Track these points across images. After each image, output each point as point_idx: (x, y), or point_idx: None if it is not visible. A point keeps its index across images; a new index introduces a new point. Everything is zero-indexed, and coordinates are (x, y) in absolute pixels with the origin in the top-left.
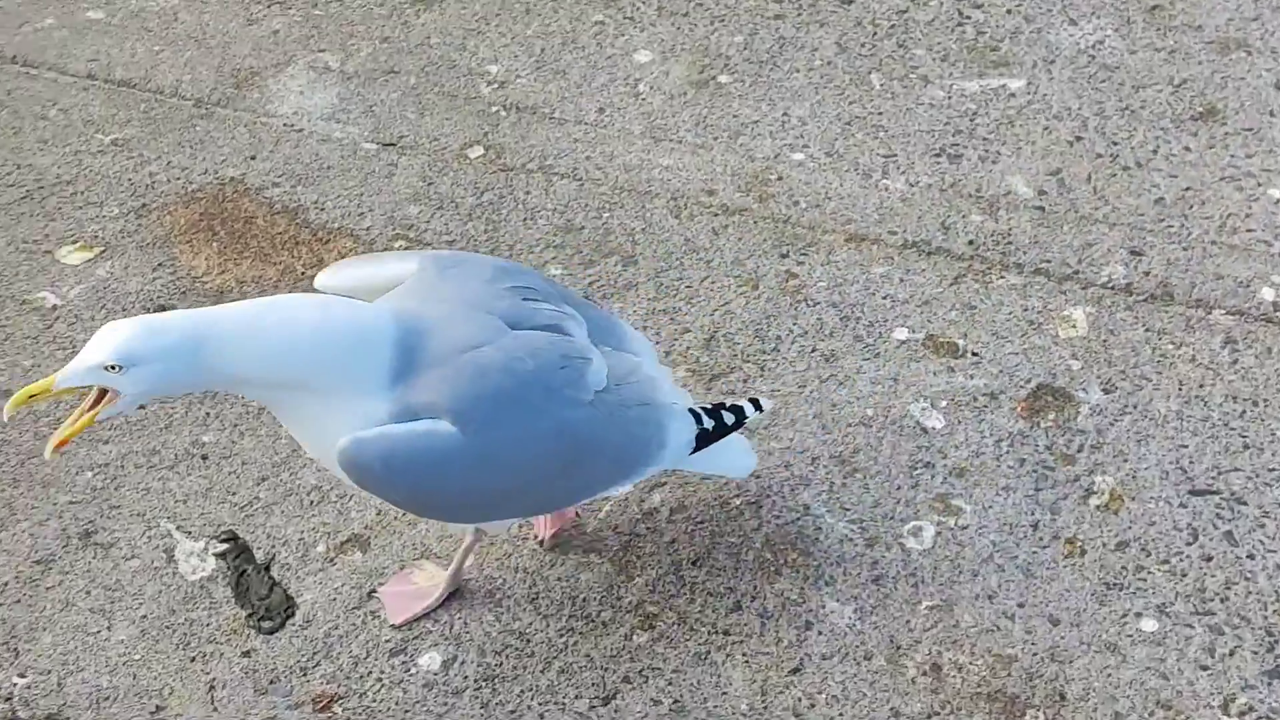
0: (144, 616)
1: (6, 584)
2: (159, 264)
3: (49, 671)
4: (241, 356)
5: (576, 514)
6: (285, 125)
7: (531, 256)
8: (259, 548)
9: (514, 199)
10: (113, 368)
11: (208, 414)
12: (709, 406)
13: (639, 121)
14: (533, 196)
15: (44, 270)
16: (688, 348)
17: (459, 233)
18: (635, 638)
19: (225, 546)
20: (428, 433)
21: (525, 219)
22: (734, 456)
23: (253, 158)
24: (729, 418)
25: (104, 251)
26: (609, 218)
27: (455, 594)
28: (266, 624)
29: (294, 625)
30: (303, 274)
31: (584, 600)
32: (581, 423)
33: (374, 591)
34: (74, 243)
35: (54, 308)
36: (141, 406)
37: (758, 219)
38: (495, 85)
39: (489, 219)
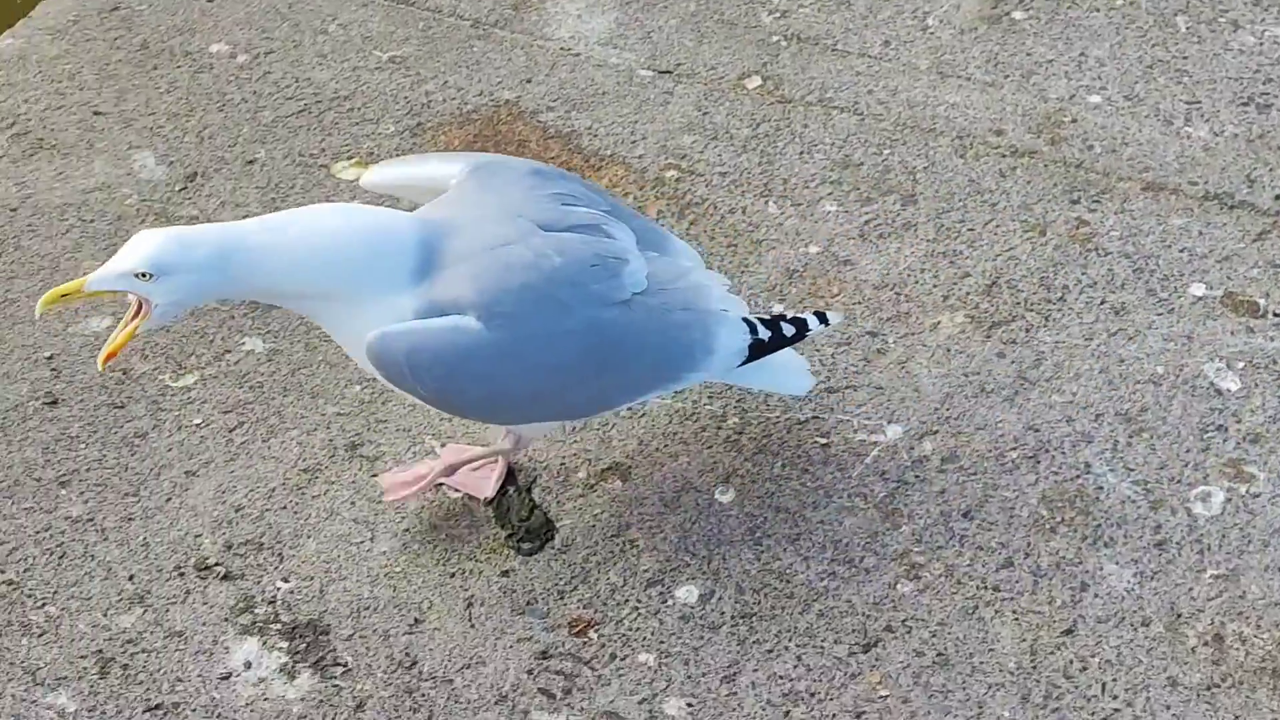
0: (406, 530)
1: (274, 490)
2: None
3: (312, 578)
4: (269, 268)
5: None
6: (562, 49)
7: (807, 191)
8: (520, 470)
9: (790, 132)
10: (143, 275)
11: None
12: (766, 316)
13: (926, 56)
14: (810, 130)
15: (319, 184)
16: (967, 293)
17: (732, 165)
18: (900, 587)
19: None
20: (453, 328)
21: (802, 153)
22: (790, 375)
23: (528, 81)
24: (789, 329)
25: None
26: (889, 155)
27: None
28: (526, 545)
29: (552, 549)
30: None
31: (847, 545)
32: (613, 322)
33: (375, 475)
34: (349, 158)
35: None
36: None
37: (1048, 162)
38: (777, 14)
39: (764, 151)
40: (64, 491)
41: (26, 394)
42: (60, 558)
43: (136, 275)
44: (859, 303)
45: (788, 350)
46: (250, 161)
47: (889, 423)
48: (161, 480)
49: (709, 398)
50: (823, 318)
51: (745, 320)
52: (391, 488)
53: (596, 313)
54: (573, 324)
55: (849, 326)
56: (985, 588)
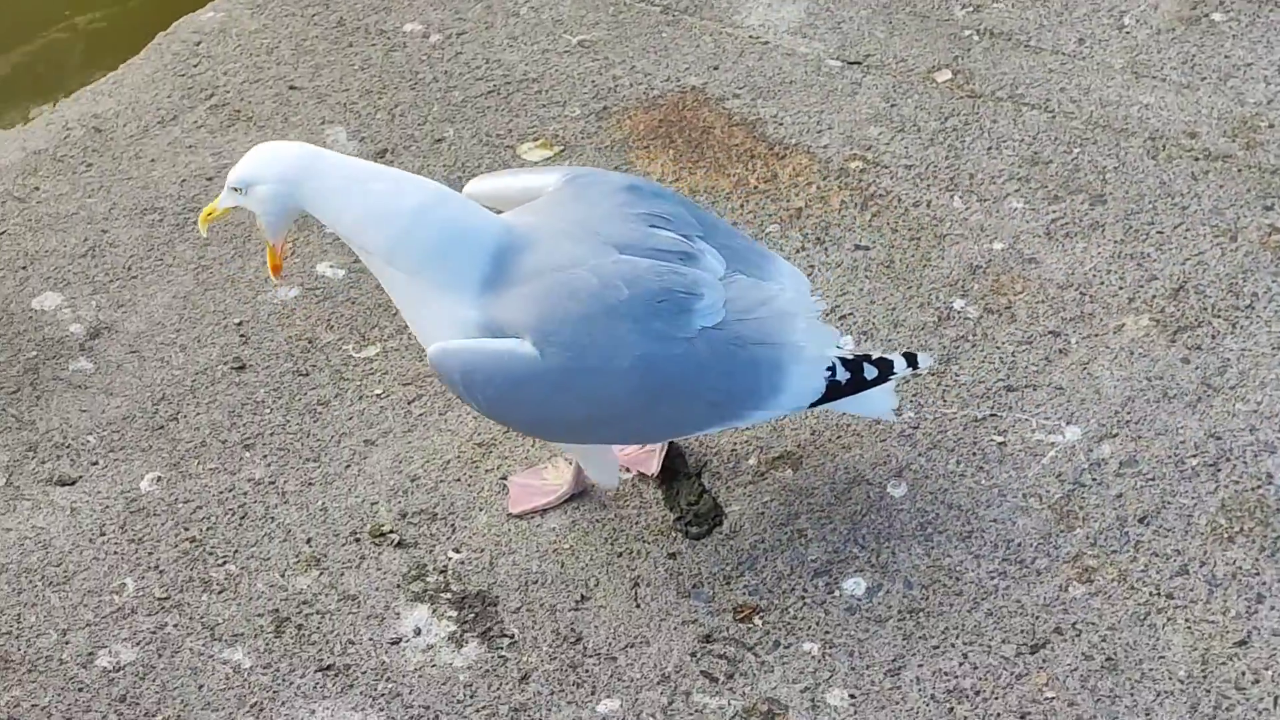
0: (575, 507)
1: (449, 462)
2: (615, 166)
3: (482, 550)
4: (336, 206)
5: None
6: (751, 37)
7: (993, 187)
8: (691, 454)
9: (979, 126)
10: (237, 189)
11: None
12: (851, 355)
13: (1120, 55)
14: (1000, 125)
15: (505, 164)
16: (1153, 296)
17: (918, 158)
18: (1071, 589)
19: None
20: (508, 353)
21: (990, 148)
22: (873, 401)
23: (715, 68)
24: (871, 371)
25: (563, 151)
26: (1079, 153)
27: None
28: (694, 529)
29: (720, 534)
30: (755, 187)
31: (1019, 545)
32: (670, 360)
33: (505, 478)
34: (535, 140)
35: None
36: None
37: (1241, 167)
38: (970, 8)
39: (951, 146)
40: (248, 454)
41: (216, 358)
42: (242, 518)
43: (233, 190)
44: (1042, 301)
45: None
46: (439, 140)
47: (1068, 424)
48: (341, 447)
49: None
50: (912, 360)
51: (827, 357)
52: (518, 500)
53: (653, 349)
54: (628, 361)
55: (1031, 325)
56: (1158, 594)
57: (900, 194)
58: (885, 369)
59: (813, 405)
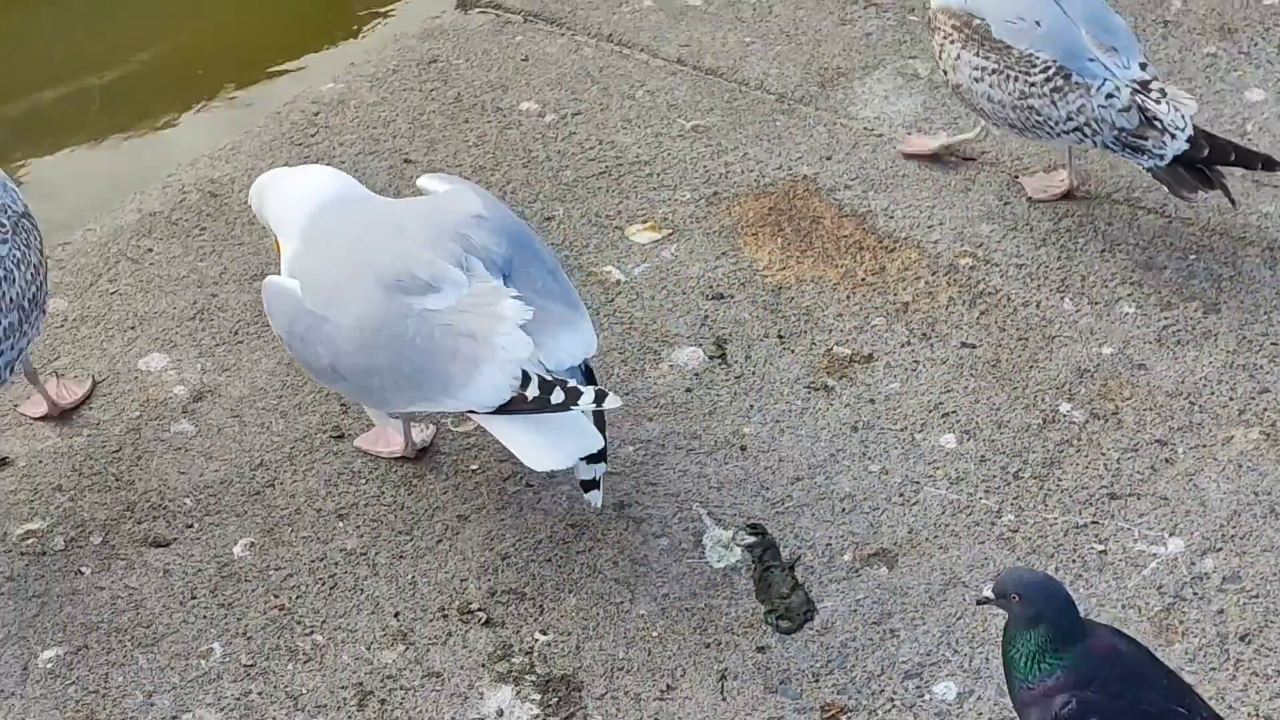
0: (665, 595)
1: (540, 542)
2: (722, 252)
3: (569, 633)
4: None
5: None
6: (865, 129)
7: (1105, 290)
8: (785, 546)
9: (1093, 228)
10: None
11: (751, 406)
12: (551, 378)
13: None
14: (1114, 228)
15: (613, 245)
16: (1264, 409)
17: (1030, 257)
18: None
19: (753, 540)
20: (284, 290)
21: (1103, 251)
22: (537, 440)
23: (828, 158)
24: (558, 396)
25: (671, 234)
26: (1194, 260)
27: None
28: (784, 624)
29: (811, 629)
30: (863, 280)
31: None
32: (383, 327)
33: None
34: (644, 222)
35: (617, 282)
36: None
37: None
38: None
39: (1064, 246)
40: (341, 524)
41: (316, 426)
42: (331, 588)
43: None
44: (1150, 409)
45: (580, 422)
46: (549, 218)
47: (1171, 535)
48: (434, 521)
49: (985, 492)
50: (601, 397)
51: (526, 372)
52: (370, 438)
53: (374, 314)
54: (352, 318)
55: (1137, 432)
56: (1256, 716)
57: (1010, 293)
58: (572, 397)
59: (500, 410)
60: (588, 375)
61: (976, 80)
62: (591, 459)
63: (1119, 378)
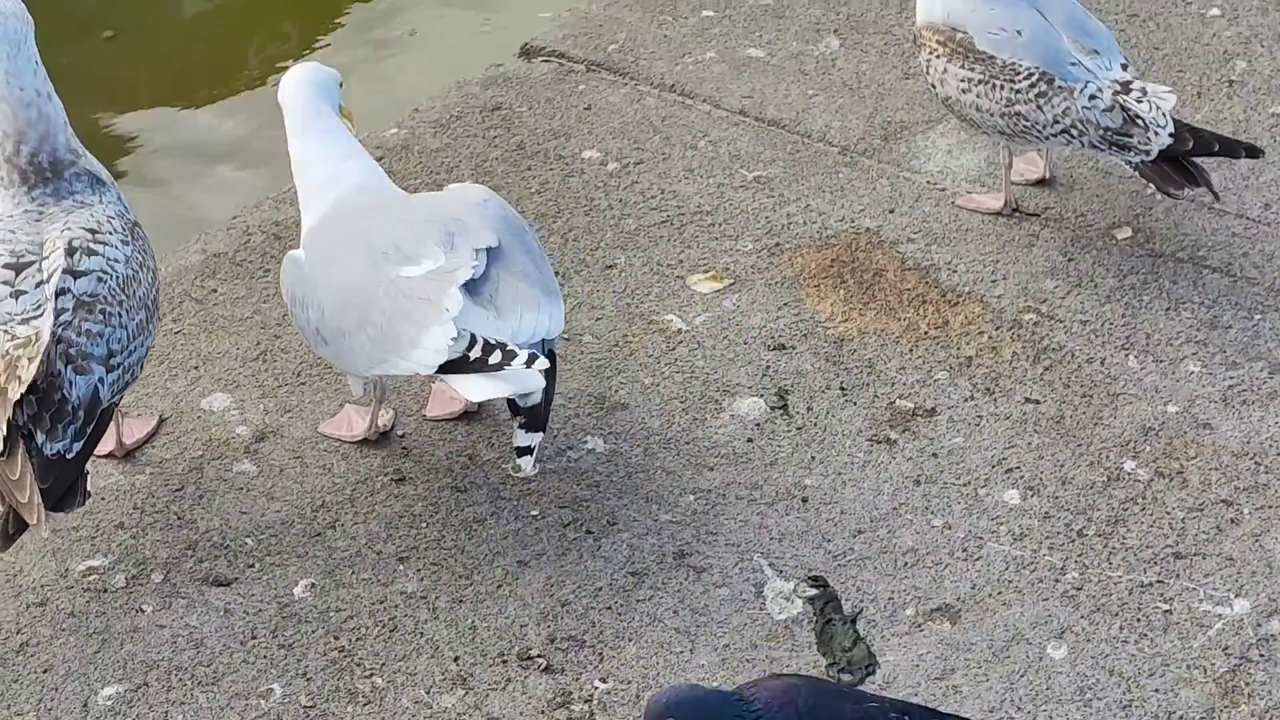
0: (726, 645)
1: (600, 589)
2: (784, 304)
3: (629, 682)
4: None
5: (466, 404)
6: (928, 183)
7: (1169, 349)
8: (847, 599)
9: (1158, 286)
10: None
11: (813, 458)
12: (495, 341)
13: None
14: (1179, 286)
15: (674, 294)
16: None
17: (1094, 314)
18: None
19: (814, 592)
20: (292, 258)
21: (1168, 309)
22: (481, 382)
23: (891, 211)
24: (495, 357)
25: (733, 284)
26: (1260, 320)
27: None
28: (846, 677)
29: (873, 683)
30: (926, 333)
31: (1180, 718)
32: (360, 290)
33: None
34: (705, 271)
35: (679, 331)
36: None
37: None
38: None
39: (1129, 304)
40: (401, 567)
41: (377, 469)
42: (391, 631)
43: None
44: (1215, 468)
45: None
46: (610, 266)
47: (1237, 596)
48: (495, 566)
49: (1048, 549)
50: (532, 359)
51: (474, 335)
52: (336, 422)
53: (353, 280)
54: (338, 279)
55: (1203, 492)
56: None
57: (1074, 349)
58: (508, 358)
59: (441, 370)
60: (549, 358)
61: (964, 91)
62: (529, 427)
63: (1184, 436)
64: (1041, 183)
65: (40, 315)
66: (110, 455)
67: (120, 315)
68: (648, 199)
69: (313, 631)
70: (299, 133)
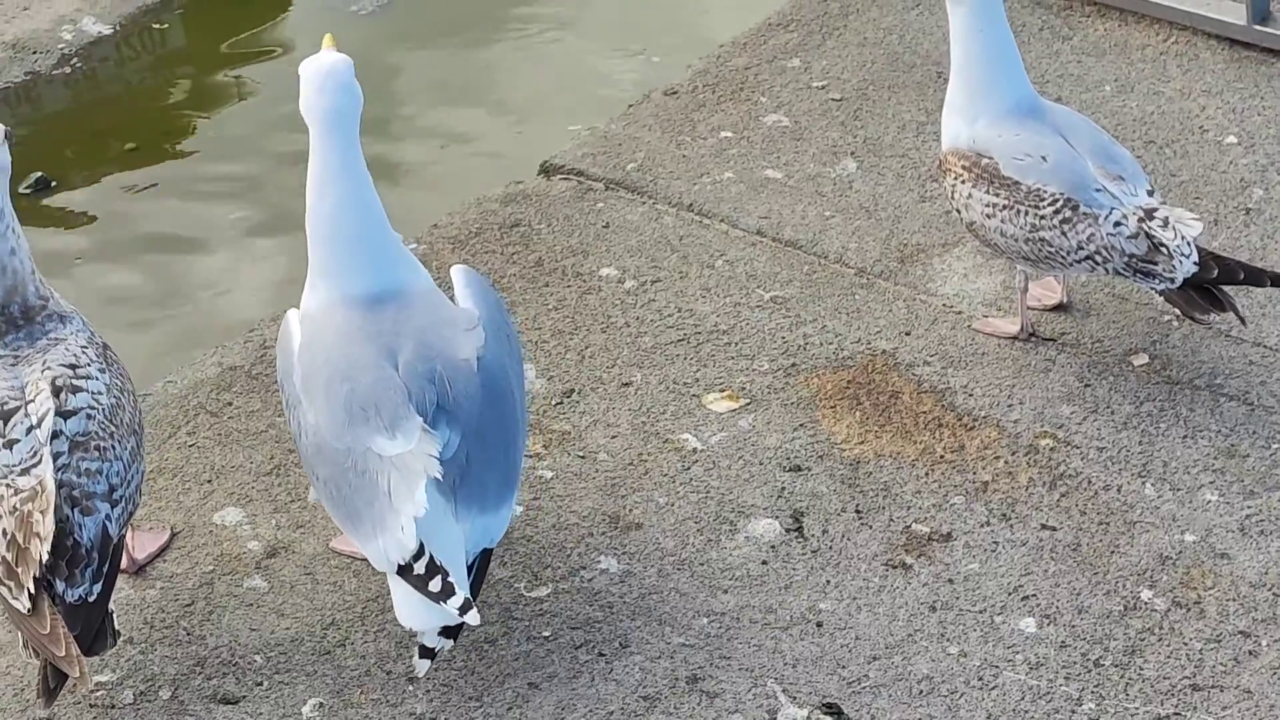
0: None
1: (612, 713)
2: (800, 424)
3: None
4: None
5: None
6: (944, 306)
7: (1187, 477)
8: None
9: (1175, 414)
10: None
11: (828, 581)
12: (440, 564)
13: None
14: (1196, 414)
15: (690, 413)
16: None
17: (1110, 440)
18: None
19: (829, 719)
20: (289, 337)
21: (1185, 436)
22: (413, 599)
23: (907, 333)
24: (435, 585)
25: (749, 404)
26: (1278, 449)
27: None
28: None
29: None
30: (942, 457)
31: None
32: (335, 445)
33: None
34: (721, 390)
35: (694, 450)
36: None
37: None
38: None
39: (1145, 431)
40: (411, 687)
41: (388, 586)
42: None
43: None
44: (1233, 599)
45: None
46: (626, 384)
47: None
48: (505, 688)
49: (1065, 679)
50: (466, 608)
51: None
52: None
53: (330, 434)
54: (314, 418)
55: (1220, 623)
56: None
57: (1091, 476)
58: (445, 593)
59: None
60: (483, 559)
61: (988, 216)
62: (447, 632)
63: (1201, 566)
64: (1059, 308)
65: (39, 463)
66: (123, 571)
67: (114, 447)
68: (664, 317)
69: None
70: (322, 164)
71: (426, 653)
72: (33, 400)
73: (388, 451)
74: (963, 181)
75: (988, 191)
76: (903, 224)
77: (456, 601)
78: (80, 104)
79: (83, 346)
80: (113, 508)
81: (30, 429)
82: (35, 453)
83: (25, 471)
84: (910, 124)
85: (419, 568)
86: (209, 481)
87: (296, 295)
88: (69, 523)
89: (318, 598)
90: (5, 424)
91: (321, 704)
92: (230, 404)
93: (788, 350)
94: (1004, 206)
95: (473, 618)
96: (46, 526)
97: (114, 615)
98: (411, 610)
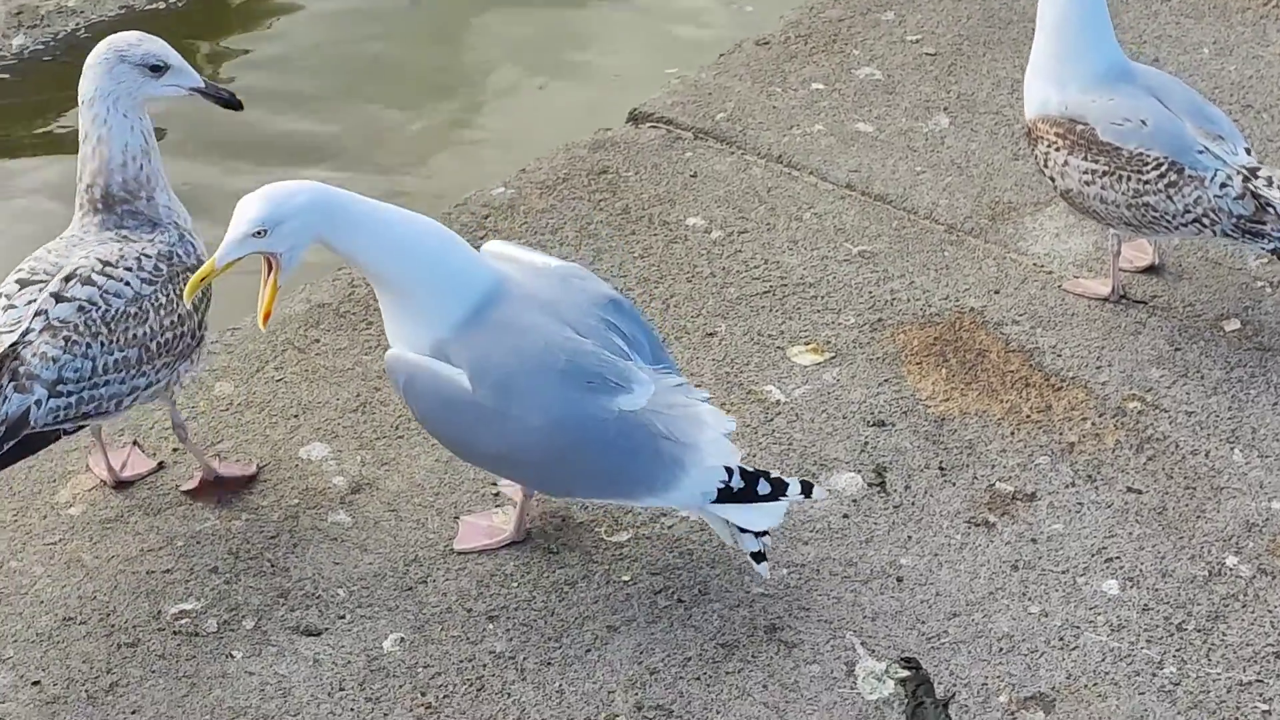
0: None
1: (690, 659)
2: (885, 380)
3: None
4: (358, 239)
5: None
6: (1035, 265)
7: (1277, 444)
8: (940, 683)
9: (1266, 380)
10: (259, 233)
11: (909, 537)
12: (750, 469)
13: None
14: None
15: (774, 365)
16: None
17: (1199, 405)
18: None
19: (907, 674)
20: (447, 378)
21: (1275, 403)
22: (762, 513)
23: (996, 292)
24: (764, 488)
25: (834, 357)
26: None
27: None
28: None
29: None
30: (1028, 416)
31: None
32: (582, 428)
33: (458, 517)
34: (806, 344)
35: (777, 403)
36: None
37: None
38: (1264, 259)
39: (1235, 396)
40: (491, 626)
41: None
42: (479, 690)
43: (254, 235)
44: None
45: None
46: (710, 334)
47: None
48: (584, 630)
49: (1146, 642)
50: (807, 488)
51: (726, 468)
52: (465, 537)
53: (570, 415)
54: (543, 419)
55: None
56: None
57: (1178, 440)
58: (779, 489)
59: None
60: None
61: (1087, 184)
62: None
63: None
64: (1150, 270)
65: (11, 331)
66: (198, 492)
67: (89, 347)
68: (750, 268)
69: (400, 686)
70: (368, 236)
71: (759, 557)
72: (50, 280)
73: (639, 403)
74: (1056, 149)
75: (1085, 158)
76: (995, 181)
77: (795, 488)
78: None
79: (143, 253)
80: (50, 398)
81: (30, 302)
82: (18, 321)
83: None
84: (1005, 81)
85: (736, 483)
86: (295, 416)
87: None
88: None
89: (401, 534)
90: (20, 289)
91: (402, 639)
92: (318, 340)
93: (874, 305)
94: (1104, 173)
95: (819, 491)
96: None
97: None
98: (749, 515)
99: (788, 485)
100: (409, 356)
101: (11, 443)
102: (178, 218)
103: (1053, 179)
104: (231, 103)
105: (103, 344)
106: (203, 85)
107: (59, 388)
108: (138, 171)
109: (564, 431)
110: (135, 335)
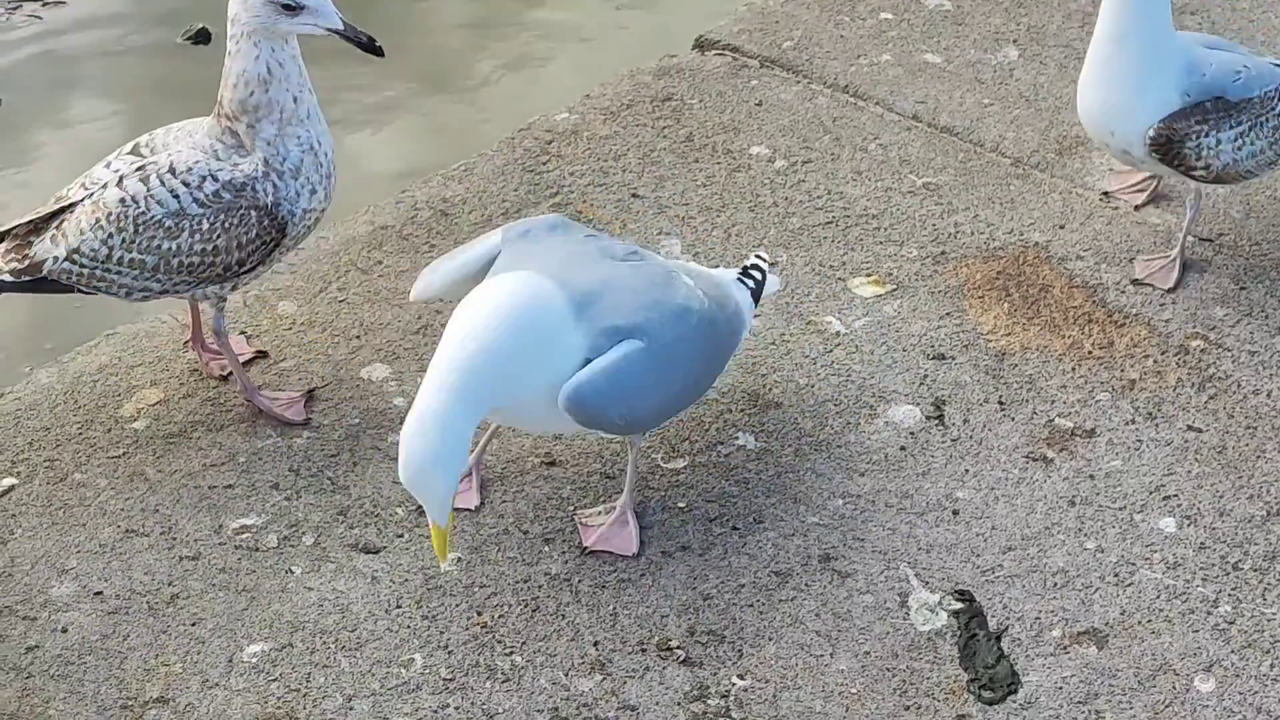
0: (867, 653)
1: (743, 586)
2: (946, 313)
3: (767, 681)
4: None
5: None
6: (1101, 200)
7: None
8: (993, 615)
9: None
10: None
11: (967, 470)
12: (739, 272)
13: None
14: None
15: (834, 296)
16: None
17: (1264, 345)
18: None
19: (960, 606)
20: (623, 355)
21: None
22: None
23: (1061, 227)
24: (758, 276)
25: (895, 290)
26: None
27: None
28: (987, 694)
29: (1014, 702)
30: (1090, 353)
31: None
32: (706, 316)
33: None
34: (867, 275)
35: (837, 334)
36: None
37: None
38: None
39: None
40: (547, 548)
41: (529, 449)
42: (534, 611)
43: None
44: None
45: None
46: (772, 263)
47: None
48: (639, 555)
49: (1202, 580)
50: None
51: (741, 281)
52: (599, 541)
53: (698, 309)
54: (692, 323)
55: None
56: None
57: (1241, 379)
58: (761, 273)
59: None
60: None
61: (1238, 148)
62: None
63: None
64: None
65: (89, 190)
66: (208, 352)
67: (110, 236)
68: (813, 199)
69: (456, 605)
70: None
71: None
72: (142, 159)
73: (698, 303)
74: (1204, 135)
75: (1231, 125)
76: (1063, 115)
77: (775, 280)
78: None
79: (212, 173)
80: (65, 260)
81: (116, 171)
82: (95, 183)
83: (84, 186)
84: (1076, 13)
85: (751, 284)
86: (357, 337)
87: (452, 157)
88: (42, 234)
89: None
90: (127, 152)
91: (460, 559)
92: (380, 262)
93: (937, 238)
94: (1250, 127)
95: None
96: (46, 209)
97: None
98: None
99: (762, 269)
100: (581, 376)
101: (30, 279)
102: (280, 157)
103: (1202, 170)
104: (371, 47)
105: (124, 240)
106: (341, 27)
107: (74, 256)
108: (247, 97)
109: (706, 324)
110: (160, 246)
